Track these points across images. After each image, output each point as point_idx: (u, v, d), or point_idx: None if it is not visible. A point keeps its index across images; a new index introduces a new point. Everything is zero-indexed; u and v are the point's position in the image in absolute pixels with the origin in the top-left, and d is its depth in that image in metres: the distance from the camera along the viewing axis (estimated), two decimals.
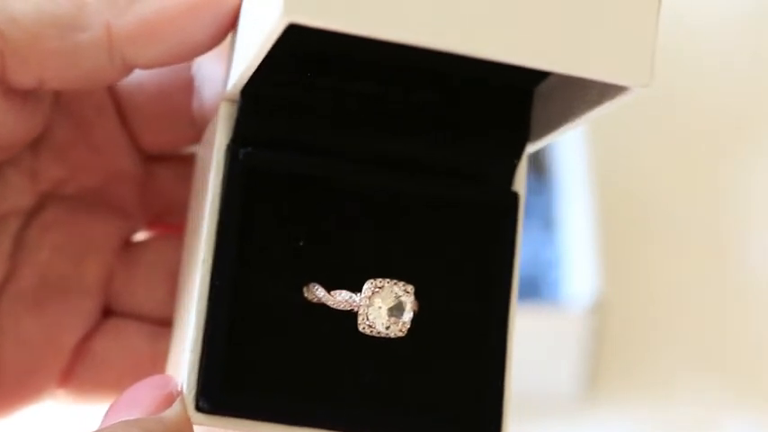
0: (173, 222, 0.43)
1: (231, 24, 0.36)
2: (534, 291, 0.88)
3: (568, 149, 0.89)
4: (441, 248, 0.36)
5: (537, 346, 0.84)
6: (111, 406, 0.35)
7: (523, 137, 0.37)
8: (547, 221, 0.91)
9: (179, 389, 0.35)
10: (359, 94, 0.36)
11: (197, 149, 0.41)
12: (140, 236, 0.43)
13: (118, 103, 0.41)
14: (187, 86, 0.41)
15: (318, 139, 0.36)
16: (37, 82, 0.36)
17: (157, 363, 0.41)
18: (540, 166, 0.95)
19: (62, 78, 0.36)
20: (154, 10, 0.35)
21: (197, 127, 0.41)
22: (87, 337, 0.41)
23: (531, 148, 0.37)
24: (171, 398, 0.34)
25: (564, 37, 0.32)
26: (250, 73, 0.34)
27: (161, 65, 0.37)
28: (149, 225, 0.43)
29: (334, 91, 0.36)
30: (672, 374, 0.88)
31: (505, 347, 0.37)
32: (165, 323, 0.41)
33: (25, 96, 0.37)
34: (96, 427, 0.35)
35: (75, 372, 0.41)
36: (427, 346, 0.36)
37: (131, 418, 0.34)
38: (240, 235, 0.35)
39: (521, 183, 0.37)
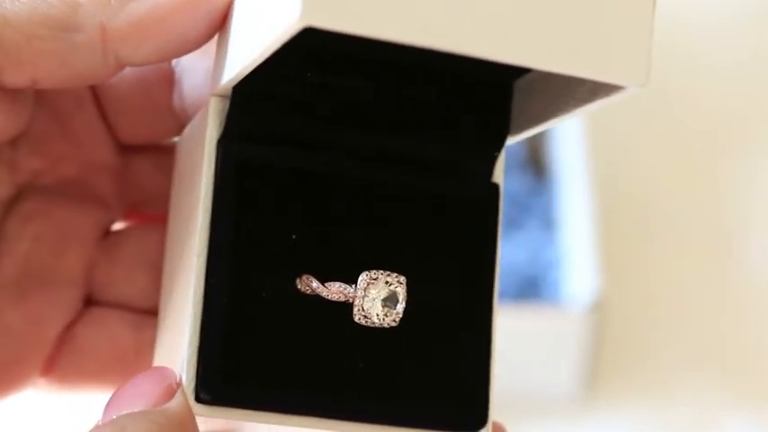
0: (150, 212, 0.43)
1: (223, 20, 0.36)
2: (534, 291, 0.88)
3: (568, 150, 0.90)
4: (427, 239, 0.37)
5: (537, 346, 0.84)
6: (112, 398, 0.35)
7: (504, 130, 0.38)
8: (547, 221, 0.91)
9: (178, 380, 0.35)
10: (348, 90, 0.37)
11: (177, 141, 0.42)
12: (118, 226, 0.43)
13: (97, 95, 0.41)
14: (167, 79, 0.41)
15: (309, 134, 0.37)
16: (30, 82, 0.36)
17: (141, 352, 0.41)
18: (540, 166, 0.95)
19: (55, 78, 0.36)
20: (147, 9, 0.35)
21: (176, 119, 0.41)
22: (70, 327, 0.41)
23: (513, 140, 0.38)
24: (171, 390, 0.35)
25: (559, 36, 0.32)
26: (249, 70, 0.34)
27: (153, 62, 0.37)
28: (127, 215, 0.43)
29: (323, 87, 0.36)
30: (672, 374, 0.88)
31: (491, 335, 0.38)
32: (148, 312, 0.41)
33: (14, 94, 0.38)
34: (98, 421, 0.35)
35: (59, 361, 0.41)
36: (417, 335, 0.37)
37: (135, 410, 0.34)
38: (234, 228, 0.36)
39: (499, 174, 0.38)
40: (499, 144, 0.38)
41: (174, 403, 0.34)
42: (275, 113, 0.36)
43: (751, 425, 0.86)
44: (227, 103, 0.36)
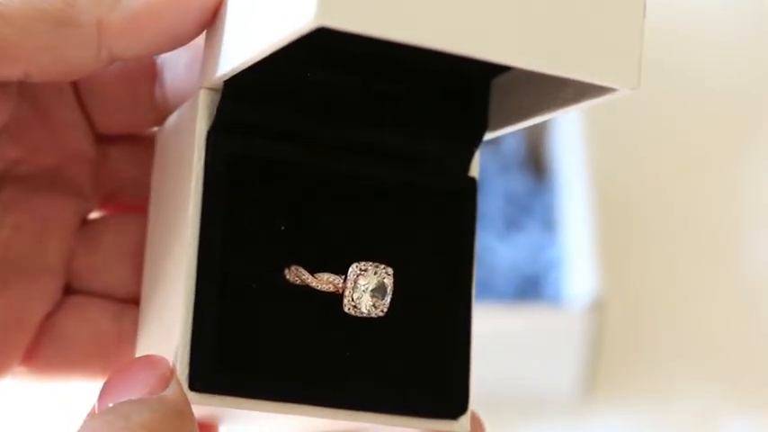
0: (125, 202, 0.43)
1: (214, 16, 0.37)
2: (534, 290, 0.88)
3: (568, 150, 0.90)
4: (408, 232, 0.39)
5: (537, 346, 0.84)
6: (106, 386, 0.35)
7: (481, 127, 0.39)
8: (547, 221, 0.91)
9: (171, 368, 0.35)
10: (335, 86, 0.38)
11: (158, 132, 0.42)
12: (93, 216, 0.44)
13: (76, 86, 0.42)
14: (149, 71, 0.42)
15: (296, 127, 0.38)
16: (23, 75, 0.37)
17: (122, 341, 0.41)
18: (540, 166, 0.95)
19: (47, 72, 0.37)
20: (142, 4, 0.36)
21: (157, 110, 0.42)
22: (51, 315, 0.41)
23: (493, 135, 0.39)
24: (165, 378, 0.35)
25: (553, 38, 0.33)
26: (248, 65, 0.35)
27: (145, 57, 0.38)
28: (102, 205, 0.44)
29: (311, 82, 0.37)
30: (672, 374, 0.88)
31: (470, 325, 0.39)
32: (128, 301, 0.42)
33: (3, 87, 0.38)
34: (93, 408, 0.35)
35: (39, 350, 0.41)
36: (401, 324, 0.38)
37: (132, 398, 0.34)
38: (224, 219, 0.37)
39: (476, 168, 0.40)
40: (476, 140, 0.39)
41: (171, 391, 0.35)
42: (265, 107, 0.37)
43: (751, 425, 0.86)
44: (216, 96, 0.37)
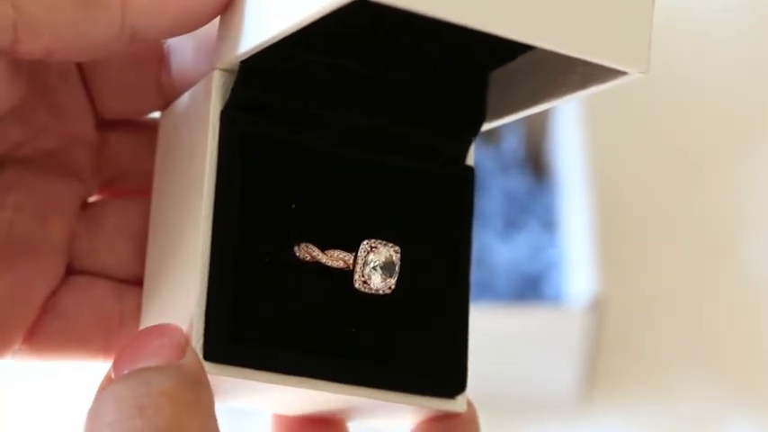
0: (124, 187, 0.44)
1: None
2: (534, 290, 0.88)
3: (568, 150, 0.90)
4: (410, 215, 0.40)
5: (537, 345, 0.84)
6: (121, 354, 0.36)
7: (479, 118, 0.40)
8: (547, 222, 0.91)
9: (186, 337, 0.36)
10: (343, 71, 0.38)
11: (162, 115, 0.43)
12: (92, 199, 0.44)
13: (82, 69, 0.42)
14: (157, 55, 0.42)
15: (307, 110, 0.38)
16: (45, 53, 0.37)
17: (125, 320, 0.41)
18: (540, 166, 0.95)
19: (69, 50, 0.37)
20: None
21: (163, 95, 0.42)
22: (54, 294, 0.41)
23: (495, 124, 0.40)
24: (180, 346, 0.35)
25: (564, 19, 0.33)
26: (276, 40, 0.35)
27: (165, 37, 0.38)
28: (101, 189, 0.44)
29: (321, 66, 0.38)
30: (671, 374, 0.88)
31: (468, 307, 0.40)
32: (130, 282, 0.42)
33: (20, 65, 0.38)
34: (108, 374, 0.36)
35: (42, 328, 0.41)
36: (402, 304, 0.39)
37: (150, 364, 0.35)
38: (239, 195, 0.37)
39: (471, 158, 0.41)
40: (475, 130, 0.40)
41: (188, 360, 0.35)
42: (279, 89, 0.38)
43: (751, 425, 0.86)
44: (230, 77, 0.38)
